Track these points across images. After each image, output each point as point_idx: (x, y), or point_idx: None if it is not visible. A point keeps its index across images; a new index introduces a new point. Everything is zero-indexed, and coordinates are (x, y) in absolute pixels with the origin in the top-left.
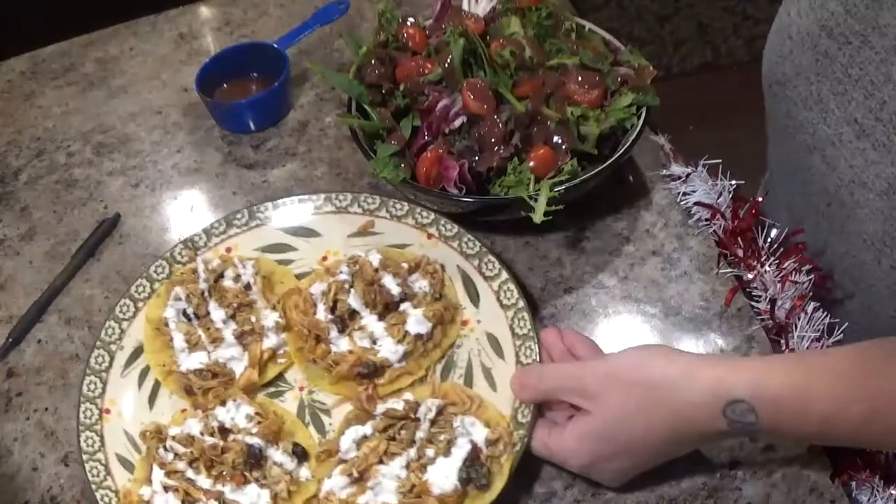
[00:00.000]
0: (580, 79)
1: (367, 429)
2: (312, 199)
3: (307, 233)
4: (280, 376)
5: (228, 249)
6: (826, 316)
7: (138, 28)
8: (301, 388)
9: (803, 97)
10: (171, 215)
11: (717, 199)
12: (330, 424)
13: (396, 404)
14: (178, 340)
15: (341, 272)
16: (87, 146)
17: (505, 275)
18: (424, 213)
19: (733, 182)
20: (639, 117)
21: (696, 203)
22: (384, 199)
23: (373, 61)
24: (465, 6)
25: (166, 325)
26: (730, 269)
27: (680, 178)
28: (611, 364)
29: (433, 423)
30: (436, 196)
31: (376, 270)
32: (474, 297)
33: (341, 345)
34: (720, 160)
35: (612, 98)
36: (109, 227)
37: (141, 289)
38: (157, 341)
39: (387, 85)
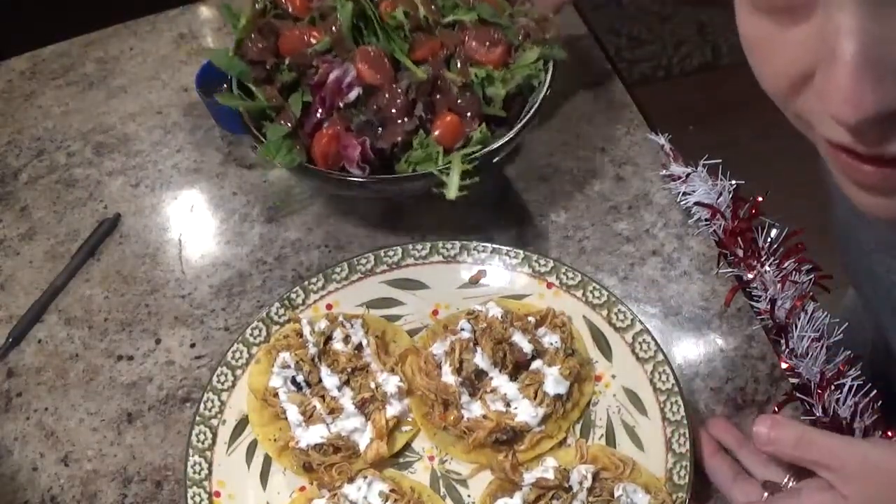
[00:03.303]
0: (480, 36)
1: (517, 501)
2: (417, 249)
3: (414, 285)
4: (407, 446)
5: (329, 306)
6: (826, 316)
7: (138, 28)
8: (431, 458)
9: None
10: (171, 215)
11: (717, 199)
12: (469, 497)
13: (546, 473)
14: (293, 414)
15: (463, 329)
16: (87, 146)
17: (639, 325)
18: (542, 261)
19: (733, 182)
20: (546, 72)
21: (696, 203)
22: (496, 247)
23: (252, 35)
24: None
25: (275, 395)
26: (730, 269)
27: (680, 178)
28: (879, 454)
29: (589, 491)
30: (336, 179)
31: (505, 328)
32: (606, 351)
33: (474, 409)
34: (720, 160)
35: (516, 54)
36: (109, 227)
37: (238, 355)
38: (265, 413)
39: (271, 60)
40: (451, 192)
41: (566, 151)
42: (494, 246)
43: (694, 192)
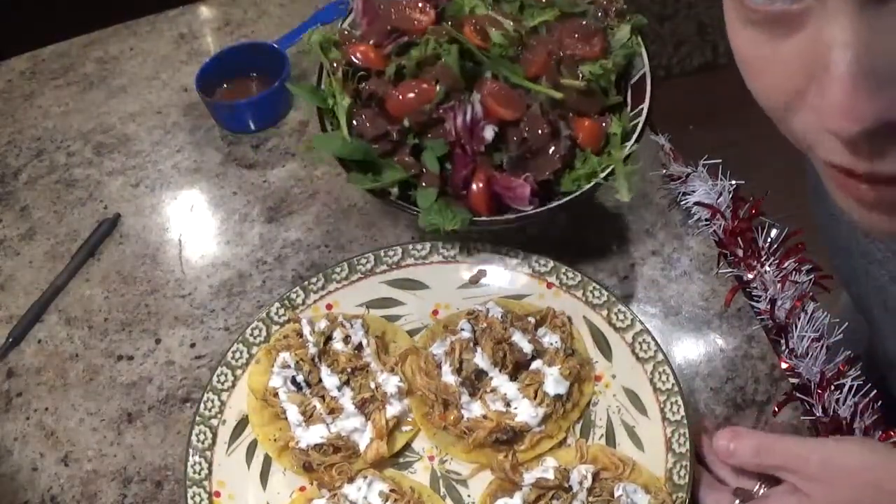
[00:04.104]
0: (572, 31)
1: (517, 501)
2: (417, 249)
3: (414, 285)
4: (407, 446)
5: (329, 306)
6: (826, 316)
7: (138, 28)
8: (431, 458)
9: None
10: (171, 215)
11: (717, 199)
12: (469, 497)
13: (546, 473)
14: (293, 414)
15: (463, 329)
16: (87, 146)
17: (639, 325)
18: (542, 261)
19: (733, 182)
20: (640, 44)
21: (696, 203)
22: (496, 247)
23: (358, 110)
24: None
25: (275, 395)
26: (730, 269)
27: (680, 178)
28: (842, 453)
29: (589, 491)
30: (519, 220)
31: (505, 328)
32: (605, 350)
33: (474, 409)
34: (720, 160)
35: (608, 36)
36: (109, 227)
37: (238, 355)
38: (265, 413)
39: (394, 129)
40: (626, 195)
41: None
42: (494, 246)
43: (694, 192)
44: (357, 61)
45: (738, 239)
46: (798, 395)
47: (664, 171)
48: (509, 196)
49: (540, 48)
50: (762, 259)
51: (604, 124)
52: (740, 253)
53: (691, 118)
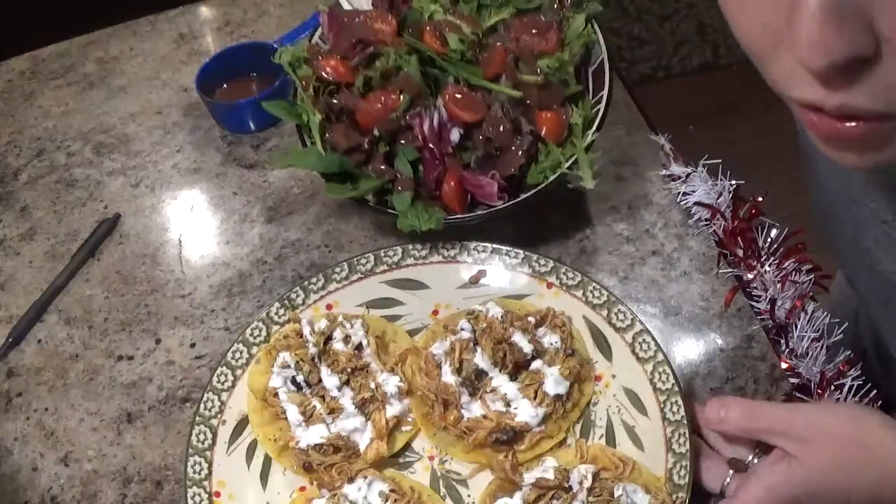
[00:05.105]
0: (527, 28)
1: (517, 501)
2: (417, 249)
3: (414, 285)
4: (407, 446)
5: (329, 306)
6: (826, 316)
7: (138, 28)
8: (431, 458)
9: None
10: (171, 215)
11: (717, 199)
12: (469, 496)
13: (546, 473)
14: (293, 414)
15: (463, 329)
16: (87, 146)
17: (639, 325)
18: (542, 261)
19: (733, 182)
20: (595, 32)
21: (696, 203)
22: (496, 247)
23: (331, 125)
24: (345, 5)
25: (275, 395)
26: (730, 269)
27: (680, 178)
28: (825, 414)
29: (589, 491)
30: (489, 215)
31: (505, 328)
32: (605, 350)
33: (474, 409)
34: (720, 160)
35: (565, 28)
36: (109, 227)
37: (238, 355)
38: (265, 413)
39: (365, 140)
40: (590, 181)
41: None
42: (494, 246)
43: (694, 192)
44: (327, 76)
45: (738, 239)
46: (798, 395)
47: (664, 171)
48: (479, 193)
49: (497, 48)
50: (762, 259)
51: (565, 115)
52: (740, 253)
53: (691, 118)
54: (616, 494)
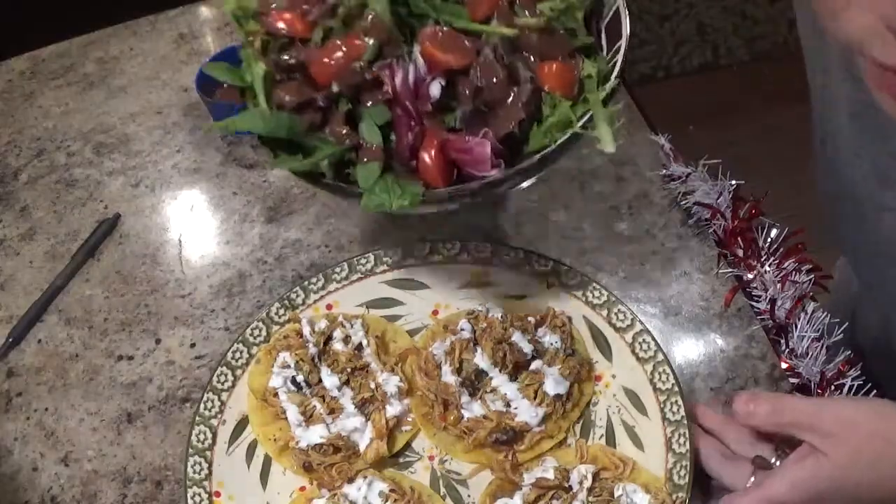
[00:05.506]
0: None
1: (517, 501)
2: (417, 249)
3: (414, 285)
4: (407, 446)
5: (329, 306)
6: (826, 316)
7: (138, 28)
8: (431, 458)
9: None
10: (171, 215)
11: (717, 199)
12: (469, 497)
13: (546, 473)
14: (293, 414)
15: (462, 329)
16: (87, 146)
17: (639, 325)
18: (542, 261)
19: (733, 182)
20: None
21: (696, 203)
22: (497, 247)
23: (278, 79)
24: None
25: (275, 395)
26: (730, 269)
27: (680, 178)
28: (850, 408)
29: (589, 491)
30: (482, 188)
31: (505, 328)
32: (605, 350)
33: (474, 409)
34: (720, 160)
35: None
36: (109, 227)
37: (238, 355)
38: (265, 413)
39: (320, 96)
40: (610, 144)
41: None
42: (494, 246)
43: (694, 192)
44: (280, 30)
45: (738, 239)
46: (798, 395)
47: (664, 171)
48: (467, 160)
49: None
50: (762, 259)
51: (574, 68)
52: (740, 253)
53: (691, 118)
54: (616, 494)
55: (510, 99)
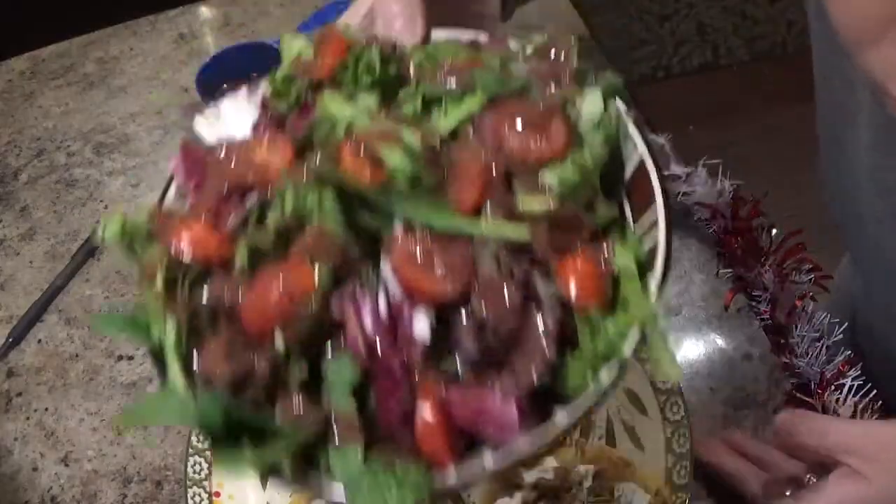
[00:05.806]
0: (518, 123)
1: (517, 501)
2: None
3: None
4: None
5: None
6: (826, 316)
7: (138, 28)
8: None
9: None
10: None
11: (717, 199)
12: (469, 497)
13: (546, 473)
14: None
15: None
16: (87, 146)
17: None
18: None
19: (733, 182)
20: (618, 117)
21: (696, 203)
22: None
23: (198, 341)
24: (205, 135)
25: None
26: (730, 269)
27: (680, 178)
28: (889, 431)
29: (589, 491)
30: (511, 463)
31: None
32: None
33: None
34: (720, 160)
35: (573, 113)
36: None
37: None
38: None
39: (251, 359)
40: (674, 371)
41: None
42: None
43: (694, 192)
44: (186, 255)
45: (738, 239)
46: (798, 395)
47: (664, 171)
48: (483, 423)
49: (471, 161)
50: (762, 259)
51: (602, 259)
52: (740, 253)
53: (691, 118)
54: (616, 494)
55: (531, 331)
